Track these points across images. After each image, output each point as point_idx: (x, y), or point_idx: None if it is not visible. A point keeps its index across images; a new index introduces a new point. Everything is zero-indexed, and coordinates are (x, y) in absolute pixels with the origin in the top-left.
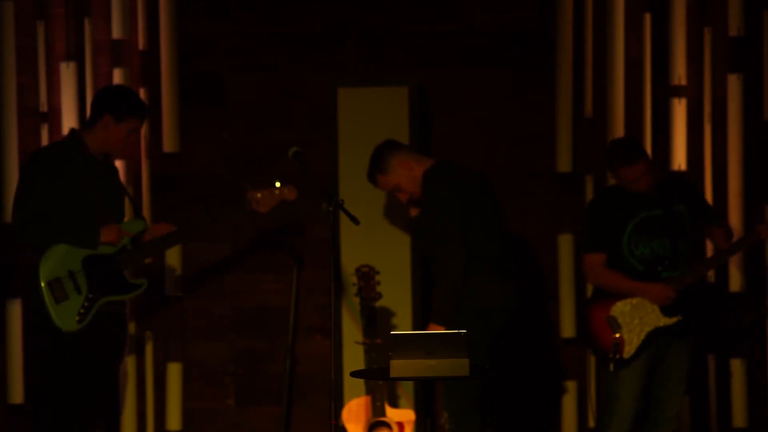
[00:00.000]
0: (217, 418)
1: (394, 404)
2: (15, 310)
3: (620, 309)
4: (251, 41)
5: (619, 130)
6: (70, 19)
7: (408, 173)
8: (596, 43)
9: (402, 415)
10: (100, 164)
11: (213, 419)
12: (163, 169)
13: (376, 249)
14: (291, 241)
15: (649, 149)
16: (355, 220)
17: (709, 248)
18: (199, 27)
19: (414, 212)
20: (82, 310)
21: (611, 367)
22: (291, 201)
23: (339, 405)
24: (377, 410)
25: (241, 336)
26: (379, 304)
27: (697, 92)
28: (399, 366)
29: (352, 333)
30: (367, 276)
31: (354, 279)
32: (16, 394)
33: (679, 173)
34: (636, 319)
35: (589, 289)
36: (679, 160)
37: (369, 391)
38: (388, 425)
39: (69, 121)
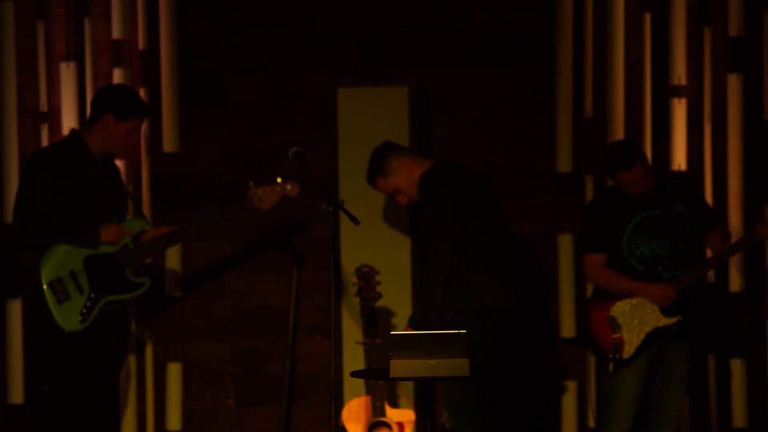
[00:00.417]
0: (217, 418)
1: (394, 404)
2: (15, 310)
3: (620, 309)
4: (251, 41)
5: (619, 130)
6: (70, 19)
7: (408, 175)
8: (596, 43)
9: (402, 415)
10: (101, 164)
11: (213, 419)
12: (163, 169)
13: (376, 249)
14: (291, 241)
15: (649, 149)
16: (355, 220)
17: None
18: (199, 27)
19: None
20: (84, 310)
21: (611, 367)
22: (293, 197)
23: (339, 405)
24: (377, 410)
25: (241, 336)
26: (379, 304)
27: (697, 92)
28: (399, 366)
29: (352, 333)
30: (367, 276)
31: (354, 279)
32: (16, 394)
33: (679, 173)
34: (636, 319)
35: (589, 289)
36: (679, 160)
37: (369, 391)
38: (388, 425)
39: (69, 121)
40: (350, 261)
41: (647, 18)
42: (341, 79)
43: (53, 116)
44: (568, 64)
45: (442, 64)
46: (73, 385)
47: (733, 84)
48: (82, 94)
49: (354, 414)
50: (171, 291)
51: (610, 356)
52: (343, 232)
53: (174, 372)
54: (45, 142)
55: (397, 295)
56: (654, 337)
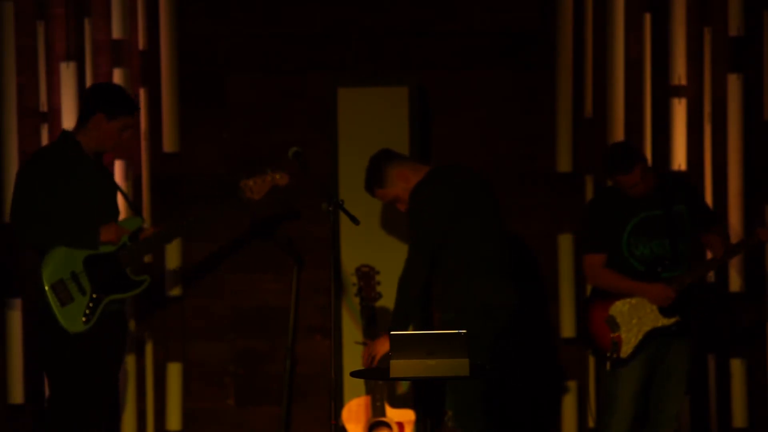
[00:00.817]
0: (217, 418)
1: (394, 404)
2: (15, 310)
3: (619, 309)
4: (251, 41)
5: (619, 130)
6: (70, 19)
7: (405, 185)
8: (596, 43)
9: (402, 415)
10: (94, 164)
11: (213, 419)
12: (163, 169)
13: (376, 249)
14: (291, 241)
15: (649, 149)
16: (355, 220)
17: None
18: (199, 27)
19: None
20: (87, 311)
21: (608, 366)
22: (283, 186)
23: (339, 405)
24: (377, 410)
25: (241, 336)
26: (379, 304)
27: (697, 92)
28: (399, 366)
29: (352, 333)
30: (367, 276)
31: (354, 279)
32: (16, 394)
33: (679, 173)
34: (635, 319)
35: (589, 290)
36: (679, 160)
37: (369, 391)
38: (388, 425)
39: (69, 121)
40: (350, 261)
41: (647, 18)
42: (341, 79)
43: (53, 116)
44: (568, 64)
45: (442, 64)
46: (75, 385)
47: (733, 84)
48: (82, 95)
49: (354, 414)
50: (171, 291)
51: (608, 355)
52: (343, 232)
53: (174, 372)
54: (45, 142)
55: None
56: (653, 337)
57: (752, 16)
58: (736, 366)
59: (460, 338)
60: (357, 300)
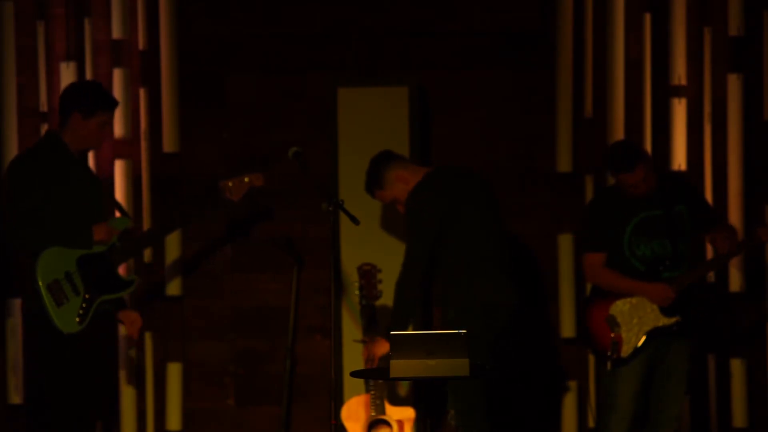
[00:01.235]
0: (217, 418)
1: (394, 402)
2: (15, 310)
3: (619, 308)
4: (251, 41)
5: (619, 130)
6: (70, 19)
7: (404, 187)
8: (596, 43)
9: (402, 412)
10: (79, 162)
11: (213, 419)
12: (163, 169)
13: (376, 249)
14: (291, 241)
15: (649, 149)
16: (355, 220)
17: (710, 249)
18: (199, 27)
19: None
20: (81, 311)
21: (608, 365)
22: (258, 187)
23: (339, 405)
24: (377, 408)
25: (241, 336)
26: (379, 303)
27: (697, 92)
28: (399, 366)
29: (352, 333)
30: (368, 274)
31: (356, 277)
32: (16, 394)
33: (680, 173)
34: (635, 319)
35: (589, 289)
36: (679, 160)
37: (369, 389)
38: (387, 423)
39: None
40: (350, 261)
41: (647, 18)
42: (341, 79)
43: (53, 116)
44: (568, 64)
45: (442, 64)
46: (70, 386)
47: (733, 84)
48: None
49: (354, 412)
50: (171, 291)
51: (609, 355)
52: (343, 232)
53: (174, 372)
54: None
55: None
56: (653, 336)
57: (752, 16)
58: (736, 366)
59: (460, 338)
60: (358, 298)
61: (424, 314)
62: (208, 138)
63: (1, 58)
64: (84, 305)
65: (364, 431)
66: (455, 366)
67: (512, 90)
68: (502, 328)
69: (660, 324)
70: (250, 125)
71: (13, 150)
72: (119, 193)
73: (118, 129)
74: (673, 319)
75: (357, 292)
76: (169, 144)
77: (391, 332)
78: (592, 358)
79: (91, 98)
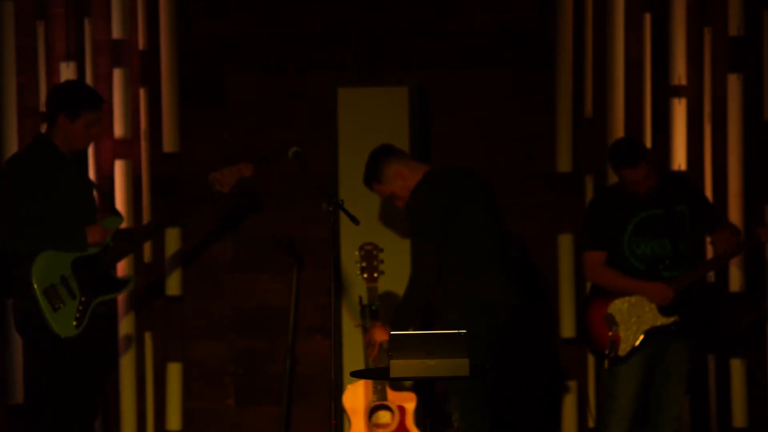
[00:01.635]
0: (217, 418)
1: (395, 387)
2: None
3: (618, 307)
4: (251, 41)
5: (619, 130)
6: (70, 19)
7: (403, 183)
8: (596, 43)
9: (403, 398)
10: (71, 163)
11: (213, 419)
12: (163, 169)
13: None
14: (291, 241)
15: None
16: (355, 220)
17: (710, 249)
18: (199, 27)
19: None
20: (78, 314)
21: (606, 364)
22: (248, 176)
23: (339, 405)
24: (378, 393)
25: (241, 336)
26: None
27: (697, 92)
28: (399, 366)
29: (352, 333)
30: (370, 255)
31: (357, 257)
32: (16, 394)
33: (681, 173)
34: (633, 318)
35: (589, 288)
36: (679, 160)
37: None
38: (389, 408)
39: None
40: (350, 261)
41: (647, 18)
42: (341, 79)
43: None
44: (568, 64)
45: (442, 64)
46: (69, 387)
47: (733, 84)
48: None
49: (355, 397)
50: (171, 291)
51: (606, 353)
52: (343, 232)
53: (174, 372)
54: None
55: (397, 294)
56: (651, 335)
57: (752, 16)
58: (736, 366)
59: (460, 338)
60: (362, 276)
61: (425, 314)
62: (208, 138)
63: (1, 58)
64: (80, 308)
65: (366, 416)
66: (455, 366)
67: (512, 90)
68: (502, 329)
69: (658, 323)
70: (250, 125)
71: (13, 150)
72: (119, 193)
73: (118, 129)
74: (671, 319)
75: (358, 272)
76: (169, 144)
77: (391, 332)
78: (591, 358)
79: (75, 99)
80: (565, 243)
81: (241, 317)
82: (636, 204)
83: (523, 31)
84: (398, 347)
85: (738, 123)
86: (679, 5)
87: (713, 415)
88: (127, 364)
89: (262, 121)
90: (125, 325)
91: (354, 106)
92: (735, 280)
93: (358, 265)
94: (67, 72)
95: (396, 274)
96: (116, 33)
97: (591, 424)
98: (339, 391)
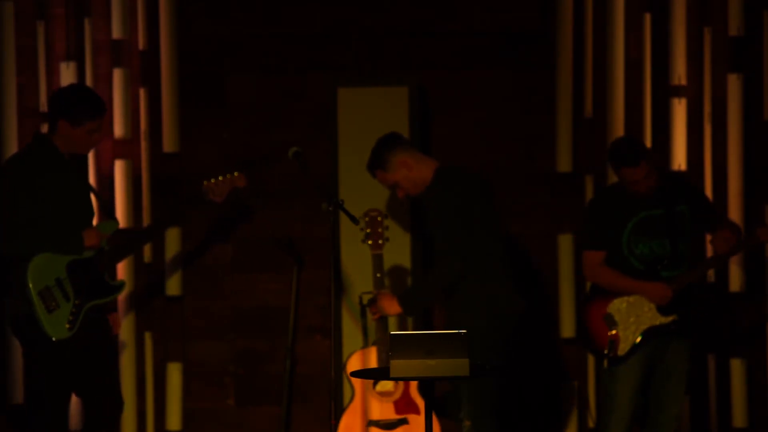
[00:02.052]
0: (217, 418)
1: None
2: None
3: (617, 306)
4: (251, 41)
5: (619, 130)
6: (70, 19)
7: (407, 173)
8: (596, 43)
9: None
10: (70, 165)
11: (213, 419)
12: (163, 169)
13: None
14: (291, 241)
15: None
16: (355, 220)
17: (710, 249)
18: (199, 27)
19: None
20: (71, 317)
21: (605, 363)
22: (242, 188)
23: (339, 405)
24: (383, 362)
25: (241, 336)
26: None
27: (697, 92)
28: (399, 366)
29: (352, 333)
30: (375, 221)
31: (362, 224)
32: (16, 394)
33: (681, 173)
34: (632, 317)
35: (588, 287)
36: (679, 160)
37: (376, 343)
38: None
39: None
40: (350, 261)
41: (647, 18)
42: (341, 79)
43: None
44: (568, 64)
45: (442, 64)
46: (55, 391)
47: (733, 84)
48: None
49: (360, 365)
50: (171, 291)
51: (605, 353)
52: (343, 232)
53: (174, 372)
54: None
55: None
56: (650, 335)
57: (752, 16)
58: (736, 366)
59: (461, 338)
60: (368, 242)
61: (423, 315)
62: (208, 138)
63: (1, 58)
64: (74, 310)
65: (371, 386)
66: (455, 366)
67: (512, 90)
68: (513, 331)
69: (657, 323)
70: (250, 125)
71: (13, 150)
72: (119, 193)
73: (118, 129)
74: (670, 318)
75: (363, 240)
76: (169, 144)
77: (392, 332)
78: (591, 358)
79: (78, 108)
80: (565, 243)
81: (241, 317)
82: (636, 204)
83: (523, 31)
84: (398, 347)
85: (738, 123)
86: (679, 5)
87: (713, 415)
88: (127, 364)
89: (262, 121)
90: (125, 325)
91: (354, 106)
92: (735, 280)
93: (363, 232)
94: (67, 72)
95: (397, 274)
96: (116, 33)
97: (591, 424)
98: (339, 391)
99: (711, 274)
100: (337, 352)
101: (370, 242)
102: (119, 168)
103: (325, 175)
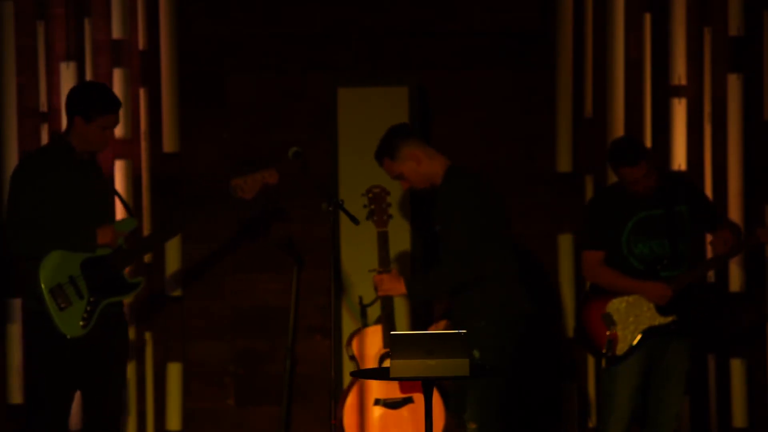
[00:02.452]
0: (217, 418)
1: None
2: (15, 310)
3: (616, 306)
4: (251, 41)
5: (619, 130)
6: (70, 19)
7: (415, 167)
8: (596, 43)
9: None
10: (87, 164)
11: (213, 419)
12: (163, 169)
13: (376, 249)
14: (291, 241)
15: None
16: (355, 220)
17: (710, 249)
18: (199, 27)
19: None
20: (85, 315)
21: (603, 363)
22: (273, 184)
23: (339, 405)
24: (387, 342)
25: (241, 336)
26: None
27: (697, 92)
28: (399, 366)
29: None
30: (378, 197)
31: (365, 201)
32: (16, 394)
33: (681, 173)
34: (631, 317)
35: (588, 287)
36: (679, 160)
37: (381, 320)
38: None
39: None
40: (350, 261)
41: (647, 18)
42: (341, 79)
43: (53, 116)
44: (568, 64)
45: (442, 64)
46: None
47: (733, 84)
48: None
49: (366, 343)
50: (171, 291)
51: (604, 352)
52: (343, 232)
53: (174, 372)
54: (45, 142)
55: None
56: (649, 335)
57: (752, 16)
58: (736, 366)
59: (460, 338)
60: (371, 220)
61: (423, 315)
62: (208, 138)
63: (1, 58)
64: (88, 308)
65: (376, 363)
66: (455, 366)
67: (512, 90)
68: (524, 334)
69: (656, 323)
70: (250, 125)
71: (13, 150)
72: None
73: (118, 129)
74: (669, 318)
75: (366, 217)
76: (169, 144)
77: (391, 332)
78: (591, 359)
79: (91, 103)
80: (565, 243)
81: (241, 317)
82: (635, 204)
83: (523, 31)
84: (398, 347)
85: (738, 123)
86: (679, 5)
87: (713, 415)
88: (127, 364)
89: (262, 121)
90: None
91: (354, 106)
92: (735, 280)
93: (366, 209)
94: (67, 72)
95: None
96: (116, 33)
97: (591, 424)
98: (339, 391)
99: (711, 274)
100: (337, 352)
101: (375, 218)
102: (119, 168)
103: (325, 175)
